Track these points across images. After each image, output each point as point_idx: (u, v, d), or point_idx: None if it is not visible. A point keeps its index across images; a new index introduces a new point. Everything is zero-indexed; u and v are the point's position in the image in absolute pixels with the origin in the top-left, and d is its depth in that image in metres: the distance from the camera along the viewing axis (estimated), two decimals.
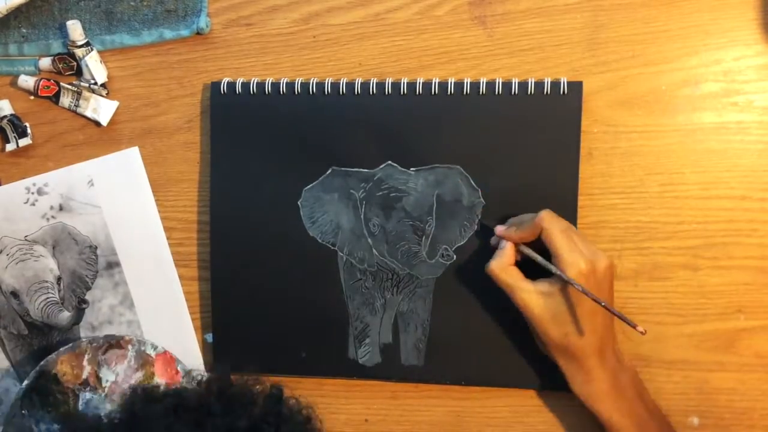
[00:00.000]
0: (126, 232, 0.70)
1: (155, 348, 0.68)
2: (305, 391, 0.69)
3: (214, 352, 0.69)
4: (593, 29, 0.63)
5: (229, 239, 0.68)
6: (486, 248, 0.63)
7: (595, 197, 0.63)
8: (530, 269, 0.59)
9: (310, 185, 0.66)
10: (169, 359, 0.68)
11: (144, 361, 0.68)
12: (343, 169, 0.65)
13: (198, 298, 0.70)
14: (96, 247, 0.70)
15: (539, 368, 0.64)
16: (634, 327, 0.53)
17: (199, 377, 0.66)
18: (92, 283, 0.71)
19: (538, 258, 0.58)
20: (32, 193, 0.70)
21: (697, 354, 0.63)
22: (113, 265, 0.70)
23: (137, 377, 0.67)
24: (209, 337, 0.70)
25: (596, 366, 0.57)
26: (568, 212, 0.62)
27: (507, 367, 0.64)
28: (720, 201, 0.62)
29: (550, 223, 0.57)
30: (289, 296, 0.67)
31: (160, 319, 0.70)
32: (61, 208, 0.70)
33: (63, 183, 0.70)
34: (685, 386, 0.64)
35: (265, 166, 0.66)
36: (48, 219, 0.70)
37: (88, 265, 0.70)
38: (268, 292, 0.67)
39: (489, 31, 0.64)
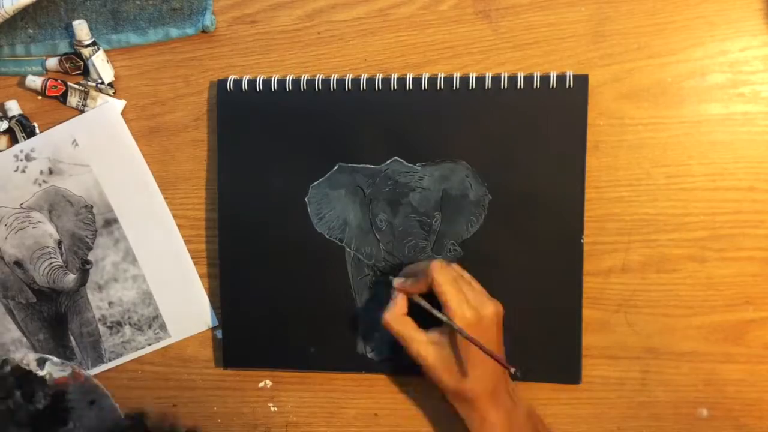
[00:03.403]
0: (118, 187, 0.70)
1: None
2: (314, 386, 0.70)
3: (223, 348, 0.70)
4: (598, 22, 0.63)
5: (238, 236, 0.68)
6: (493, 242, 0.63)
7: (601, 190, 0.63)
8: (425, 317, 0.60)
9: (317, 181, 0.66)
10: None
11: None
12: (349, 165, 0.65)
13: (207, 294, 0.71)
14: (91, 206, 0.71)
15: (548, 361, 0.64)
16: (508, 369, 0.56)
17: None
18: (93, 243, 0.71)
19: (429, 308, 0.59)
20: (21, 160, 0.71)
21: (706, 345, 0.63)
22: (111, 222, 0.71)
23: None
24: (219, 333, 0.71)
25: (490, 408, 0.59)
26: (575, 205, 0.62)
27: (515, 360, 0.64)
28: (727, 192, 0.62)
29: (438, 274, 0.58)
30: (298, 292, 0.67)
31: (164, 270, 0.71)
32: (51, 172, 0.70)
33: (48, 146, 0.70)
34: (693, 378, 0.64)
35: (272, 162, 0.66)
36: (40, 184, 0.71)
37: (86, 225, 0.71)
38: (276, 289, 0.68)
39: (493, 25, 0.64)
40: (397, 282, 0.62)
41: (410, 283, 0.61)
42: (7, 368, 0.69)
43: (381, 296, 0.66)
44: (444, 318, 0.57)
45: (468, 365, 0.58)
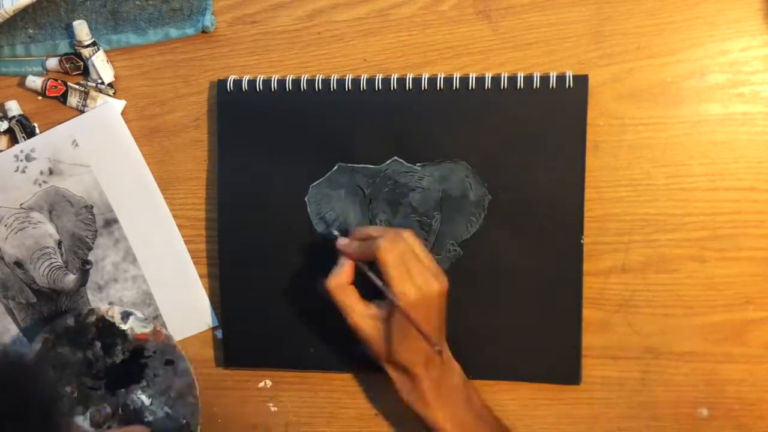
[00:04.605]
0: (118, 187, 0.70)
1: None
2: (314, 386, 0.70)
3: (223, 348, 0.70)
4: (598, 22, 0.63)
5: (237, 236, 0.68)
6: (493, 242, 0.63)
7: (601, 190, 0.63)
8: (367, 284, 0.60)
9: (317, 181, 0.66)
10: None
11: None
12: (349, 165, 0.65)
13: (208, 294, 0.71)
14: (92, 207, 0.71)
15: (548, 361, 0.64)
16: (434, 349, 0.58)
17: None
18: (93, 243, 0.71)
19: (376, 281, 0.59)
20: (21, 161, 0.71)
21: (706, 345, 0.63)
22: (111, 222, 0.71)
23: None
24: (219, 333, 0.71)
25: (422, 374, 0.60)
26: (575, 205, 0.62)
27: (515, 360, 0.65)
28: (727, 192, 0.62)
29: (384, 253, 0.58)
30: (298, 292, 0.67)
31: (164, 270, 0.71)
32: (51, 172, 0.70)
33: (48, 146, 0.70)
34: (693, 378, 0.64)
35: (272, 162, 0.66)
36: (40, 184, 0.71)
37: (86, 225, 0.71)
38: (276, 289, 0.68)
39: (493, 25, 0.64)
40: (341, 242, 0.62)
41: (356, 246, 0.61)
42: (92, 318, 0.70)
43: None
44: (388, 294, 0.58)
45: (404, 338, 0.58)
